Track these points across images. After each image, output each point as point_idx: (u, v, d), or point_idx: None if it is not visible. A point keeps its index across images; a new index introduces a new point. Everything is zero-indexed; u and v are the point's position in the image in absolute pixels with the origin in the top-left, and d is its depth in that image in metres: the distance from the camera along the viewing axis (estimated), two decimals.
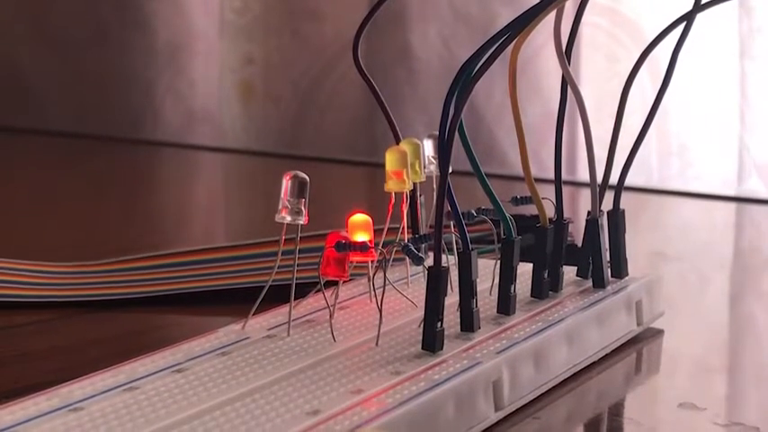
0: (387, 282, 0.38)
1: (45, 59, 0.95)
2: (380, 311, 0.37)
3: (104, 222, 0.68)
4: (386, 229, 0.41)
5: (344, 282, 0.39)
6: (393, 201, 0.41)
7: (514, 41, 0.37)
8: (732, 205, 0.72)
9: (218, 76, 0.90)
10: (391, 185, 0.40)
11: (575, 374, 0.40)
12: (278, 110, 0.88)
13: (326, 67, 0.86)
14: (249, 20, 0.88)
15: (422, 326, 0.37)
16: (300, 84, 0.87)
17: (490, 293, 0.41)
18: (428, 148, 0.42)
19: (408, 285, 0.43)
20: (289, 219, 0.37)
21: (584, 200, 0.50)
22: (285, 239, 0.38)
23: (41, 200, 0.75)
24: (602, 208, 0.44)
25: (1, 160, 0.86)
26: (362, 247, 0.37)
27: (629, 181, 0.45)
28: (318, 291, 0.39)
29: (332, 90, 0.86)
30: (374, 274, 0.41)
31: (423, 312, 0.37)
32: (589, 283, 0.44)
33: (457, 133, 0.36)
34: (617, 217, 0.45)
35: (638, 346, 0.44)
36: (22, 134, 0.95)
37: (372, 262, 0.39)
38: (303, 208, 0.37)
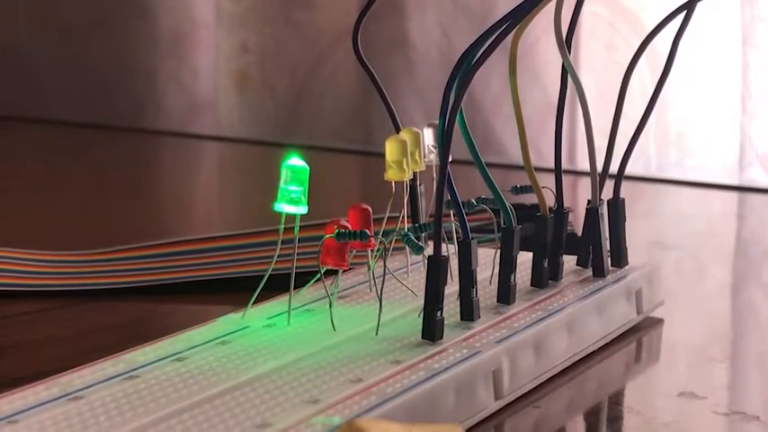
0: (387, 271, 0.38)
1: (48, 48, 0.95)
2: (380, 301, 0.37)
3: (105, 212, 0.68)
4: (386, 219, 0.41)
5: (344, 271, 0.39)
6: (393, 190, 0.41)
7: (515, 30, 0.37)
8: (733, 194, 0.72)
9: (215, 64, 0.90)
10: (391, 174, 0.40)
11: (575, 363, 0.40)
12: (273, 98, 0.88)
13: (321, 56, 0.86)
14: (244, 8, 0.88)
15: (422, 315, 0.37)
16: (296, 72, 0.87)
17: (490, 283, 0.41)
18: (428, 137, 0.42)
19: (408, 274, 0.43)
20: (288, 208, 0.37)
21: (584, 189, 0.50)
22: (284, 228, 0.38)
23: (43, 189, 0.75)
24: (601, 197, 0.44)
25: (3, 149, 0.86)
26: (362, 236, 0.37)
27: (626, 170, 0.45)
28: (318, 280, 0.39)
29: (327, 79, 0.86)
30: (374, 264, 0.40)
31: (423, 301, 0.37)
32: (589, 272, 0.44)
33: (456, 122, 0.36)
34: (617, 206, 0.45)
35: (638, 335, 0.44)
36: (24, 123, 0.95)
37: (372, 251, 0.39)
38: (303, 197, 0.37)
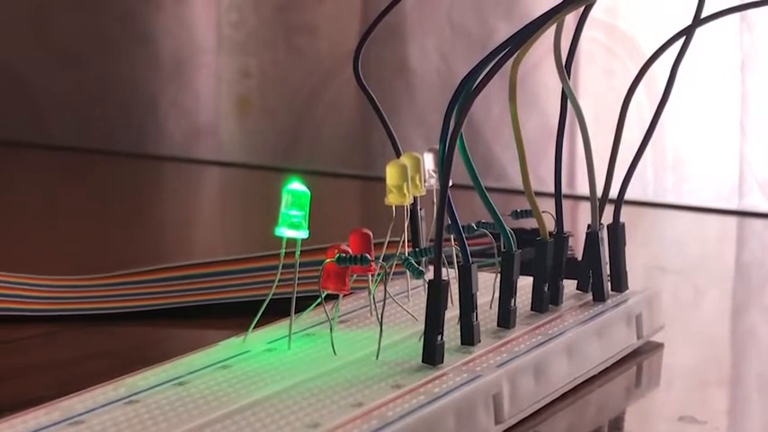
0: (387, 295, 0.38)
1: (49, 73, 0.95)
2: (381, 325, 0.38)
3: (105, 236, 0.68)
4: (386, 243, 0.41)
5: (345, 295, 0.39)
6: (394, 214, 0.41)
7: (515, 56, 0.38)
8: (732, 219, 0.72)
9: (216, 90, 0.90)
10: (392, 199, 0.40)
11: (575, 388, 0.40)
12: (274, 123, 0.88)
13: (322, 81, 0.86)
14: (245, 34, 0.89)
15: (422, 339, 0.37)
16: (296, 97, 0.87)
17: (490, 307, 0.41)
18: (428, 161, 0.42)
19: (409, 299, 0.43)
20: (289, 233, 0.37)
21: (584, 213, 0.50)
22: (285, 253, 0.38)
23: (43, 213, 0.75)
24: (601, 221, 0.44)
25: (3, 174, 0.87)
26: (362, 261, 0.37)
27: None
28: (319, 304, 0.39)
29: (328, 104, 0.86)
30: (375, 288, 0.41)
31: (423, 326, 0.37)
32: (589, 296, 0.44)
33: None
34: (617, 230, 0.45)
35: (639, 359, 0.44)
36: (25, 148, 0.95)
37: (373, 276, 0.39)
38: (303, 222, 0.37)
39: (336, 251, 0.37)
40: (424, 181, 0.42)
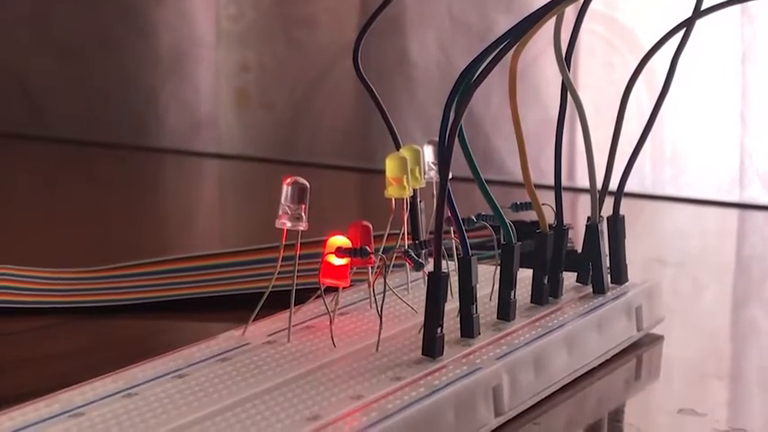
0: (387, 287, 0.38)
1: (49, 66, 0.95)
2: (380, 317, 0.38)
3: (105, 229, 0.68)
4: (386, 235, 0.41)
5: (344, 288, 0.39)
6: (394, 207, 0.41)
7: (514, 48, 0.38)
8: (733, 211, 0.72)
9: (216, 83, 0.90)
10: (391, 191, 0.40)
11: (575, 380, 0.40)
12: (274, 116, 0.88)
13: (321, 74, 0.86)
14: (244, 26, 0.89)
15: (422, 331, 0.37)
16: (296, 90, 0.87)
17: (490, 299, 0.41)
18: (428, 154, 0.42)
19: (408, 291, 0.43)
20: (289, 224, 0.37)
21: (584, 206, 0.50)
22: (285, 245, 0.38)
23: (44, 206, 0.75)
24: (601, 214, 0.44)
25: (4, 166, 0.86)
26: (362, 253, 0.37)
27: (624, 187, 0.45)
28: (318, 297, 0.39)
29: (327, 96, 0.86)
30: (374, 280, 0.41)
31: (423, 318, 0.37)
32: (589, 288, 0.44)
33: (456, 139, 0.37)
34: (617, 223, 0.45)
35: (638, 351, 0.44)
36: (26, 141, 0.95)
37: (372, 268, 0.39)
38: (303, 214, 0.37)
39: (336, 241, 0.37)
40: (424, 173, 0.42)
